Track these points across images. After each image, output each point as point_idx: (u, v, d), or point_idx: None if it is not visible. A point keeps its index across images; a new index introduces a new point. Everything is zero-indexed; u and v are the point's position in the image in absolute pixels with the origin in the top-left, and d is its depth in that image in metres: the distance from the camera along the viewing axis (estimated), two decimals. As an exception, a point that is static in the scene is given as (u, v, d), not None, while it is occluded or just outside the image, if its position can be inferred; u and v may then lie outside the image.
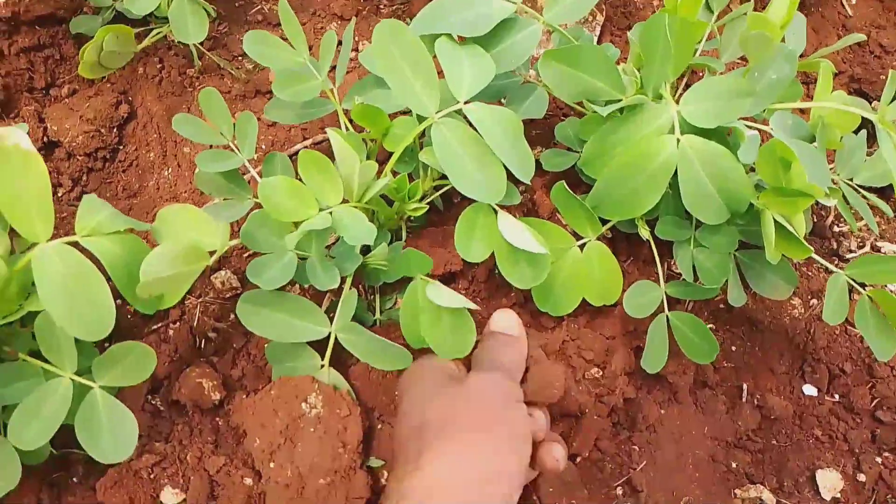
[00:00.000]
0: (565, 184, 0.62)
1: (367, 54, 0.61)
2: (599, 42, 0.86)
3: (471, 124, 0.54)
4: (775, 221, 0.59)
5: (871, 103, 0.92)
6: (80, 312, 0.46)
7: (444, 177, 0.61)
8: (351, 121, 0.62)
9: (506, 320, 0.58)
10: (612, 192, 0.58)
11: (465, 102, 0.54)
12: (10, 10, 0.75)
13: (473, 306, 0.53)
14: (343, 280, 0.58)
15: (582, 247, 0.64)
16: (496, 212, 0.57)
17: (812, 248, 0.59)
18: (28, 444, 0.46)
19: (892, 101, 0.62)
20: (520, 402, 0.53)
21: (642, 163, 0.56)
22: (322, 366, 0.58)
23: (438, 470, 0.48)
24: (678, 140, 0.56)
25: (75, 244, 0.48)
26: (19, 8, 0.76)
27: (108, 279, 0.48)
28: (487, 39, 0.59)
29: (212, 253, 0.52)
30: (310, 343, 0.57)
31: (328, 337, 0.57)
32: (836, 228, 0.81)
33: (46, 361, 0.51)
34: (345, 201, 0.55)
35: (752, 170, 0.64)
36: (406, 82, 0.53)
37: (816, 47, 1.01)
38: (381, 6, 0.86)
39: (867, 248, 0.79)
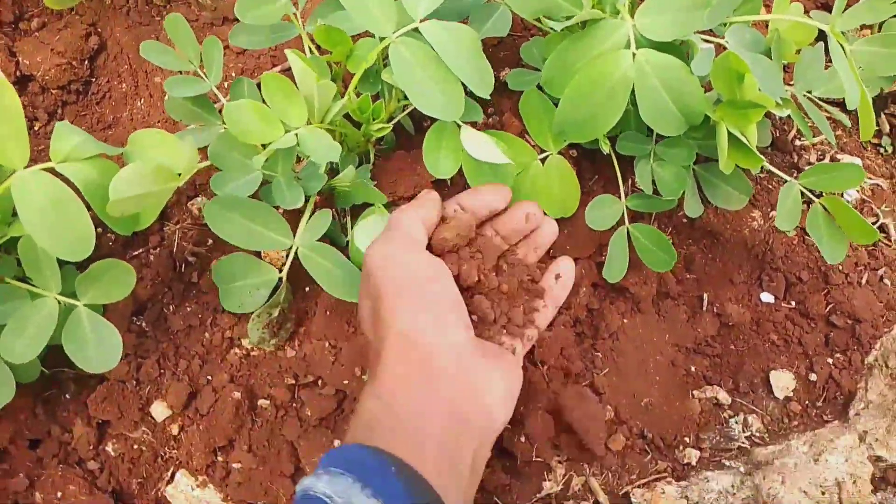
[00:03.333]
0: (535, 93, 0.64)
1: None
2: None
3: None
4: (729, 133, 0.62)
5: (836, 18, 0.93)
6: (60, 234, 0.48)
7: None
8: (317, 44, 0.63)
9: None
10: (574, 112, 0.60)
11: (421, 21, 0.55)
12: (-28, -58, 0.75)
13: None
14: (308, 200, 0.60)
15: (544, 161, 0.66)
16: (460, 128, 0.59)
17: (763, 158, 0.61)
18: (18, 358, 0.50)
19: (843, 11, 0.63)
20: (410, 240, 0.51)
21: (601, 80, 0.58)
22: (280, 279, 0.60)
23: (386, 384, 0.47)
24: (634, 54, 0.57)
25: (51, 170, 0.50)
26: (-19, -60, 0.75)
27: (87, 204, 0.51)
28: (450, -43, 0.60)
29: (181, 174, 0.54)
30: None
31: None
32: (797, 142, 0.83)
33: (33, 285, 0.54)
34: (310, 124, 0.57)
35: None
36: (362, 3, 0.54)
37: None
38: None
39: (827, 160, 0.82)
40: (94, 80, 0.77)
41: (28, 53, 0.75)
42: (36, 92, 0.76)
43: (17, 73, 0.76)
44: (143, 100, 0.75)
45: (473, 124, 0.66)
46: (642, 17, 0.57)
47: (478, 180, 0.59)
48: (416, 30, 0.55)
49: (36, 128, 0.76)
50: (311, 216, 0.60)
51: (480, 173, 0.59)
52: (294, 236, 0.59)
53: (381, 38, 0.55)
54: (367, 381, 0.50)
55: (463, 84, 0.57)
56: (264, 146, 0.55)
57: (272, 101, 0.54)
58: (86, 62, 0.77)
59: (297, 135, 0.55)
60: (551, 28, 0.58)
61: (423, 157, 0.58)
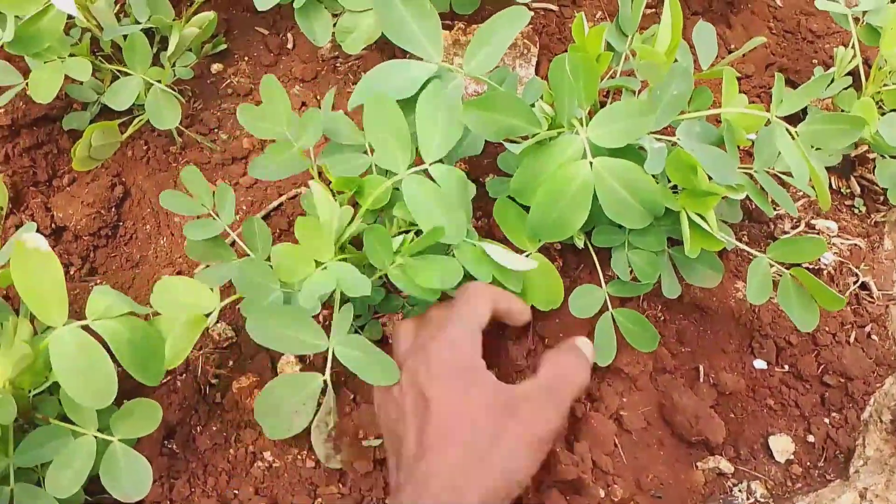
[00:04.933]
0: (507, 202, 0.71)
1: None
2: (537, 71, 0.94)
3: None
4: (690, 220, 0.67)
5: (797, 91, 0.99)
6: (87, 385, 0.55)
7: (411, 225, 0.69)
8: (320, 174, 0.70)
9: (585, 345, 0.68)
10: (544, 217, 0.66)
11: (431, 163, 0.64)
12: (10, 117, 0.86)
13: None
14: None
15: (526, 260, 0.72)
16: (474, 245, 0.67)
17: (724, 241, 0.67)
18: (63, 493, 0.56)
19: (781, 100, 0.69)
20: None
21: (563, 188, 0.64)
22: (325, 381, 0.62)
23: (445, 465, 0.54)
24: (591, 163, 0.63)
25: (86, 327, 0.57)
26: (17, 114, 0.86)
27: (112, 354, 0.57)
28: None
29: (208, 315, 0.61)
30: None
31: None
32: (774, 213, 0.88)
33: (73, 423, 0.60)
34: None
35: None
36: (386, 146, 0.64)
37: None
38: (338, 64, 0.95)
39: (802, 227, 0.86)
40: (121, 223, 0.86)
41: (61, 207, 0.85)
42: (70, 240, 0.85)
43: (53, 226, 0.85)
44: (165, 238, 0.84)
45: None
46: (594, 129, 0.64)
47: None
48: (424, 170, 0.64)
49: (71, 272, 0.85)
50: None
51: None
52: (328, 337, 0.62)
53: (393, 175, 0.64)
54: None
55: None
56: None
57: (304, 241, 0.61)
58: (113, 209, 0.86)
59: (326, 269, 0.62)
60: (510, 149, 0.65)
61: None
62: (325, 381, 0.61)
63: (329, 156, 0.72)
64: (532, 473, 0.57)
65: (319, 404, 0.63)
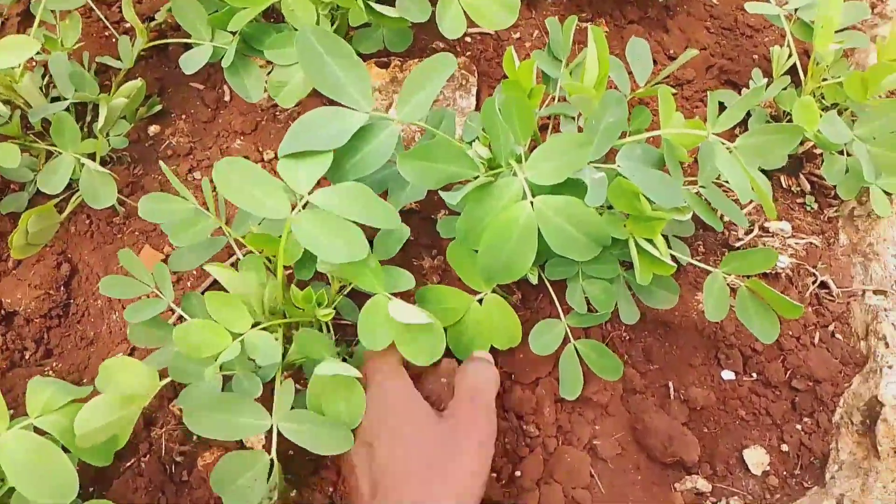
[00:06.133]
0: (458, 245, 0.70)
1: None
2: (478, 100, 0.93)
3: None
4: (639, 246, 0.67)
5: (740, 92, 1.00)
6: (44, 484, 0.53)
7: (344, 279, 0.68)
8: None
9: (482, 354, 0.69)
10: (493, 261, 0.65)
11: (310, 193, 0.61)
12: (-55, 205, 0.84)
13: (356, 373, 0.60)
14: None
15: (481, 301, 0.71)
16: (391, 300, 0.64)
17: (674, 265, 0.66)
18: None
19: (717, 116, 0.69)
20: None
21: (508, 231, 0.63)
22: (271, 460, 0.61)
23: None
24: (532, 202, 0.63)
25: (30, 426, 0.55)
26: (-48, 201, 0.84)
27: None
28: (353, 146, 0.66)
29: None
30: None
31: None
32: (726, 218, 0.88)
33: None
34: (257, 323, 0.62)
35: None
36: (255, 200, 0.60)
37: (686, 46, 1.08)
38: (277, 113, 0.94)
39: (756, 232, 0.86)
40: (71, 301, 0.84)
41: (9, 292, 0.82)
42: (21, 325, 0.83)
43: (2, 312, 0.83)
44: (117, 313, 0.82)
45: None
46: (532, 168, 0.63)
47: (409, 346, 0.63)
48: (306, 204, 0.60)
49: (27, 356, 0.82)
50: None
51: (412, 339, 0.63)
52: (271, 414, 0.61)
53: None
54: None
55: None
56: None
57: (217, 314, 0.60)
58: (61, 288, 0.84)
59: (242, 341, 0.60)
60: (446, 199, 0.64)
61: (360, 335, 0.63)
62: (271, 461, 0.61)
63: (241, 226, 0.72)
64: (486, 476, 0.60)
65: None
